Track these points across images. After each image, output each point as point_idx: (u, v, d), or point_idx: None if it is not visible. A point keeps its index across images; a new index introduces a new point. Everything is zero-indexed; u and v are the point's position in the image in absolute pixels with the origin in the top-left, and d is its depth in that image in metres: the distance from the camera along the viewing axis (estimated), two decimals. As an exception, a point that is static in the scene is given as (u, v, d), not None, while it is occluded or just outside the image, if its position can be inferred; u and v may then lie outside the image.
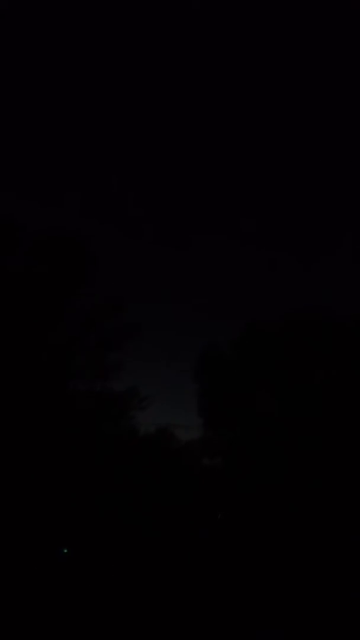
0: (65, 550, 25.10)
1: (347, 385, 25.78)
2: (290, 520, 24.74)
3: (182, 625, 16.99)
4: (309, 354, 26.51)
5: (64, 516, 23.55)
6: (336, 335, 26.32)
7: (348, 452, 25.07)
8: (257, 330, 27.40)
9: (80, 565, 23.60)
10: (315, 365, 26.53)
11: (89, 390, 25.35)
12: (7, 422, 22.54)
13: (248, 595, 19.70)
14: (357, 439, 24.93)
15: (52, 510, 22.95)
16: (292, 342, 26.68)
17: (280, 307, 27.25)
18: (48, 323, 22.91)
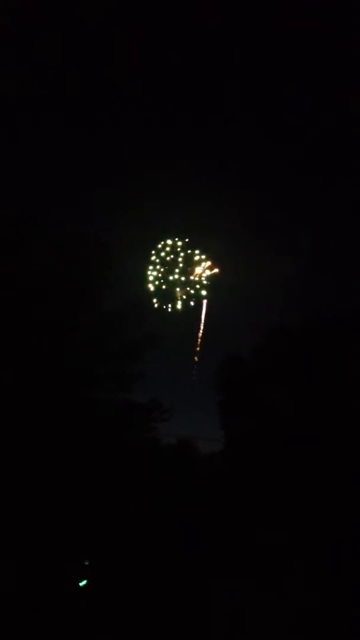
0: (87, 563, 24.73)
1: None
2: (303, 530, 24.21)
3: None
4: (332, 361, 26.17)
5: (81, 525, 23.25)
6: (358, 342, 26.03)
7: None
8: (278, 338, 27.17)
9: (98, 577, 23.23)
10: (339, 373, 26.15)
11: (110, 400, 25.14)
12: (27, 429, 22.39)
13: None
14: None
15: (69, 518, 22.68)
16: (314, 349, 26.38)
17: (300, 311, 27.03)
18: (69, 327, 22.64)
